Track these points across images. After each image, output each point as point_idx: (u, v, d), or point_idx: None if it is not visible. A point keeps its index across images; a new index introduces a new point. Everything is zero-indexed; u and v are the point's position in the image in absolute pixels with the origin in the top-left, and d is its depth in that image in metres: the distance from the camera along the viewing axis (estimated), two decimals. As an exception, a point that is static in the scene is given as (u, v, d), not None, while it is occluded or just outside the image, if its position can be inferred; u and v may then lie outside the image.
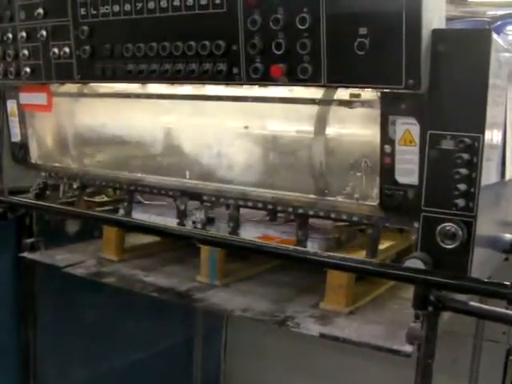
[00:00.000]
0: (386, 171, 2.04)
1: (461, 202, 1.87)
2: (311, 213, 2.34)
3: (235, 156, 2.45)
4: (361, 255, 2.31)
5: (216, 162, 2.50)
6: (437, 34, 1.86)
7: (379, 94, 2.00)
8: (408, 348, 1.94)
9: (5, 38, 2.84)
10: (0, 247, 3.05)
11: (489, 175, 1.97)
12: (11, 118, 3.14)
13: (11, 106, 3.13)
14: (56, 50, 2.66)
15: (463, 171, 1.85)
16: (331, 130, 2.21)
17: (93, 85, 2.81)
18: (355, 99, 2.10)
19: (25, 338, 3.15)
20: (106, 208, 3.17)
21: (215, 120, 2.51)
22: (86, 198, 3.17)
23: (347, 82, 2.01)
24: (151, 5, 2.31)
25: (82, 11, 2.52)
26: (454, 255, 1.90)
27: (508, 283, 1.80)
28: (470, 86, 1.84)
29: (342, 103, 2.16)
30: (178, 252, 2.99)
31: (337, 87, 2.10)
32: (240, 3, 2.10)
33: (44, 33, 2.68)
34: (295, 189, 2.33)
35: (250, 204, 2.48)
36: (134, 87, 2.66)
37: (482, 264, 2.04)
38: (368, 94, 2.06)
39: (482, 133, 1.84)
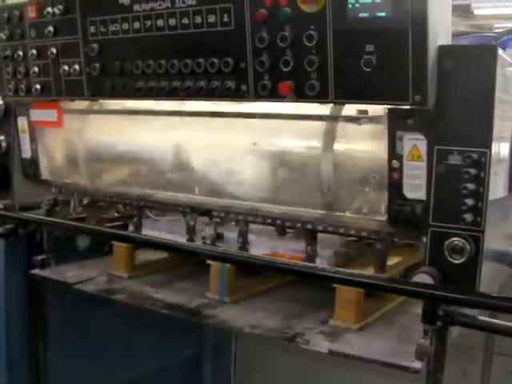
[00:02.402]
0: (394, 186, 2.04)
1: (468, 217, 1.87)
2: (320, 228, 2.35)
3: (244, 172, 2.46)
4: (369, 271, 2.31)
5: (225, 178, 2.51)
6: (443, 50, 1.87)
7: (386, 110, 2.01)
8: (417, 364, 1.93)
9: (15, 55, 2.88)
10: (11, 264, 3.06)
11: (496, 190, 1.97)
12: (22, 134, 3.17)
13: (22, 122, 3.15)
14: (66, 67, 2.69)
15: (470, 186, 1.85)
16: (339, 146, 2.22)
17: (103, 101, 2.84)
18: (363, 115, 2.12)
19: (35, 354, 3.15)
20: (116, 224, 3.19)
21: (224, 136, 2.52)
22: (96, 214, 3.19)
23: (354, 99, 2.02)
24: (160, 22, 2.33)
25: (92, 29, 2.55)
26: (462, 270, 1.90)
27: (516, 297, 1.80)
28: (476, 102, 1.85)
29: (349, 119, 2.17)
30: (187, 268, 2.99)
31: (344, 103, 2.12)
32: (248, 21, 2.12)
33: (54, 50, 2.72)
34: (304, 204, 2.34)
35: (259, 220, 2.49)
36: (143, 104, 2.68)
37: (490, 278, 2.04)
38: (375, 110, 2.07)
39: (489, 148, 1.84)
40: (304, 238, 2.42)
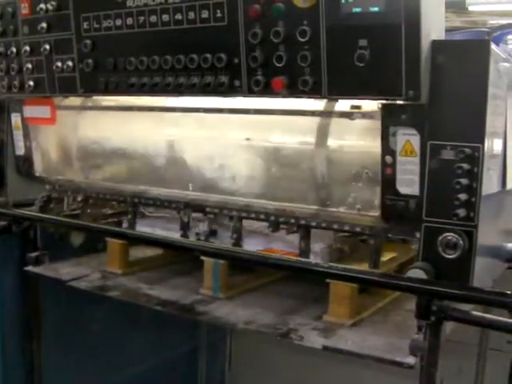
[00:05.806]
0: (388, 182, 2.05)
1: (462, 212, 1.87)
2: (313, 224, 2.35)
3: (238, 168, 2.46)
4: (363, 266, 2.30)
5: (219, 174, 2.51)
6: (436, 45, 1.87)
7: (380, 105, 2.01)
8: (411, 359, 1.94)
9: (8, 52, 2.87)
10: (5, 261, 3.05)
11: (489, 185, 1.97)
12: (15, 131, 3.16)
13: (15, 119, 3.15)
14: (59, 64, 2.68)
15: (464, 181, 1.86)
16: (332, 142, 2.22)
17: (96, 98, 2.83)
18: (356, 110, 2.12)
19: (30, 352, 3.15)
20: (110, 221, 3.18)
21: (217, 132, 2.52)
22: (89, 211, 3.18)
23: (348, 94, 2.02)
24: (153, 18, 2.33)
25: (85, 25, 2.54)
26: (455, 265, 1.91)
27: (509, 292, 1.80)
28: (469, 97, 1.85)
29: (342, 115, 2.17)
30: (182, 265, 2.99)
31: (337, 99, 2.12)
32: (241, 16, 2.12)
33: (47, 47, 2.70)
34: (297, 200, 2.34)
35: (252, 216, 2.49)
36: (136, 100, 2.68)
37: (484, 273, 2.04)
38: (368, 105, 2.07)
39: (482, 142, 1.85)
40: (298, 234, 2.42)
